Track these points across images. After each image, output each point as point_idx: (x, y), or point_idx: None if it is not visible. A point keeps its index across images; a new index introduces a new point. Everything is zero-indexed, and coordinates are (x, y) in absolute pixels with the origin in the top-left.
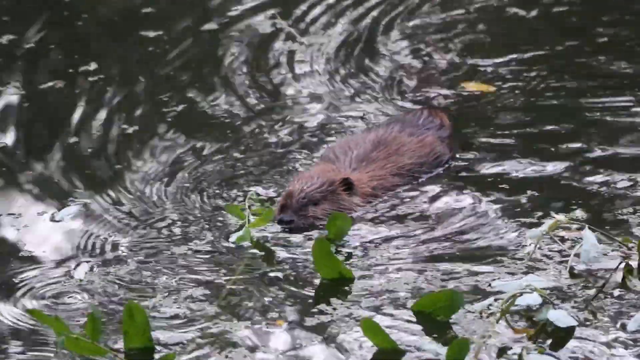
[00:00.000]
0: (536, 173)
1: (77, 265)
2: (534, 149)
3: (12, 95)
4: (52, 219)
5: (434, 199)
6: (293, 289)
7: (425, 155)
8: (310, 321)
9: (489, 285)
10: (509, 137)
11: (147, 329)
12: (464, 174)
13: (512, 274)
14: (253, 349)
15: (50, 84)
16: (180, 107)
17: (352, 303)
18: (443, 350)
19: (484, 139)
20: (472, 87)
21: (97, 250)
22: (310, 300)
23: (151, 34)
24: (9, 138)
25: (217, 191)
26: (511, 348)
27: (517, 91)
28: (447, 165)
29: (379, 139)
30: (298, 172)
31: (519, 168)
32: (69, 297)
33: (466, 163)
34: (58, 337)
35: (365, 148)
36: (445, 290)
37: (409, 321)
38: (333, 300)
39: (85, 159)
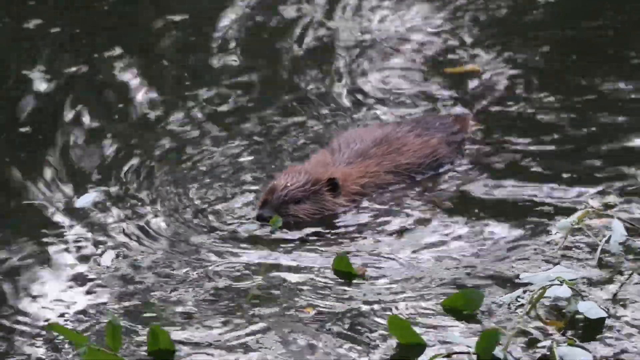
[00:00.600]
0: (563, 164)
1: (103, 252)
2: (561, 139)
3: (37, 80)
4: (72, 206)
5: (458, 189)
6: (322, 278)
7: (425, 156)
8: (339, 309)
9: (518, 276)
10: (536, 128)
11: (171, 347)
12: (490, 165)
13: (541, 265)
14: (282, 336)
15: (74, 68)
16: (205, 93)
17: (379, 295)
18: (472, 343)
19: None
20: (456, 70)
21: (121, 238)
22: (340, 290)
23: (177, 17)
24: (33, 123)
25: (243, 178)
26: (541, 340)
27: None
28: (448, 168)
29: (384, 136)
30: (288, 166)
31: (546, 158)
32: (96, 285)
33: (490, 156)
34: (79, 349)
35: (366, 143)
36: (466, 290)
37: (435, 315)
38: (360, 291)
39: (107, 146)
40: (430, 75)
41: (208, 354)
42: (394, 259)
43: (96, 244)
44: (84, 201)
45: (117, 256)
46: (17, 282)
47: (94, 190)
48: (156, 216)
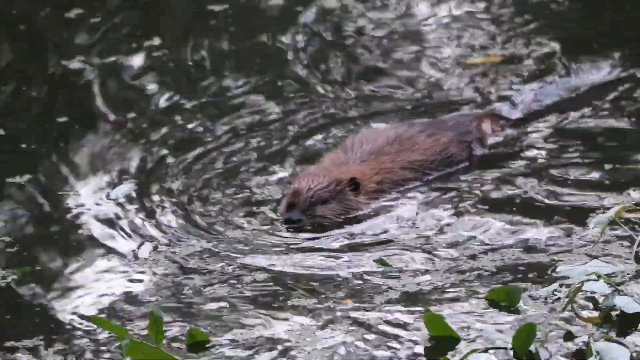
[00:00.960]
0: (599, 157)
1: (141, 244)
2: (595, 135)
3: (76, 69)
4: (107, 197)
5: (492, 185)
6: (360, 270)
7: (437, 153)
8: (378, 300)
9: (554, 270)
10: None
11: (206, 338)
12: (524, 159)
13: (578, 259)
14: (321, 327)
15: (113, 58)
16: (244, 85)
17: (418, 288)
18: (509, 338)
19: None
20: (478, 61)
21: (156, 231)
22: (378, 282)
23: (216, 7)
24: (70, 113)
25: (280, 170)
26: (577, 335)
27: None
28: (461, 166)
29: (396, 136)
30: (303, 169)
31: (583, 153)
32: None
33: (522, 149)
34: (122, 342)
35: (379, 143)
36: (507, 286)
37: (473, 310)
38: (398, 281)
39: (143, 136)
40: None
41: (245, 347)
42: (431, 253)
43: (133, 236)
44: (119, 192)
45: (155, 249)
46: (53, 274)
47: (128, 182)
48: (190, 209)
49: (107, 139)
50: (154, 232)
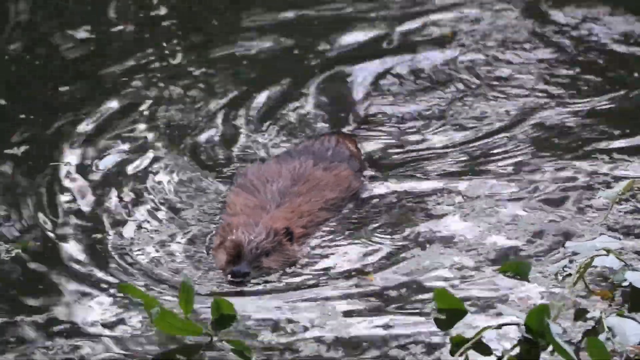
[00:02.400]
0: (606, 139)
1: (125, 223)
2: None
3: (82, 38)
4: (97, 168)
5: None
6: (385, 245)
7: (345, 190)
8: (400, 277)
9: (563, 246)
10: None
11: (234, 317)
12: (541, 137)
13: (587, 235)
14: (342, 300)
15: (120, 27)
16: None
17: (435, 263)
18: (521, 315)
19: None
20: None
21: (143, 208)
22: (403, 257)
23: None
24: (74, 83)
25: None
26: (589, 311)
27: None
28: (361, 199)
29: (296, 174)
30: (229, 218)
31: (592, 129)
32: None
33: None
34: (151, 310)
35: (285, 182)
36: (515, 261)
37: (485, 287)
38: (417, 259)
39: (143, 107)
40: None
41: (266, 320)
42: (446, 232)
43: (129, 207)
44: (107, 163)
45: (139, 228)
46: (53, 248)
47: (116, 151)
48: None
49: (107, 108)
50: (152, 198)
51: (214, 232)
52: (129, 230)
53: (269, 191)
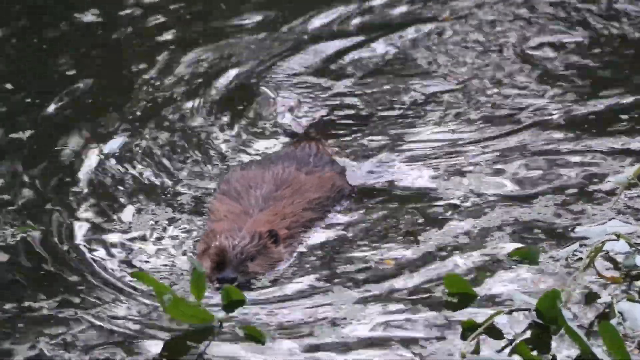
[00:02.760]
0: (617, 121)
1: (124, 207)
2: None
3: (89, 21)
4: (101, 153)
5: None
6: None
7: (329, 190)
8: (418, 262)
9: (573, 231)
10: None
11: (244, 301)
12: (548, 122)
13: (597, 219)
14: (360, 285)
15: (128, 11)
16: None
17: (451, 251)
18: (532, 300)
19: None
20: None
21: (144, 192)
22: (420, 244)
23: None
24: (80, 67)
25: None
26: (599, 296)
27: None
28: (350, 199)
29: (280, 179)
30: (212, 224)
31: (601, 114)
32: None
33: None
34: (163, 297)
35: (268, 187)
36: (524, 246)
37: (495, 272)
38: (433, 243)
39: (146, 93)
40: None
41: (283, 308)
42: (457, 217)
43: (133, 190)
44: (111, 147)
45: (138, 212)
46: (58, 232)
47: (120, 136)
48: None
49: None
50: (156, 181)
51: (198, 238)
52: (130, 215)
53: (253, 197)
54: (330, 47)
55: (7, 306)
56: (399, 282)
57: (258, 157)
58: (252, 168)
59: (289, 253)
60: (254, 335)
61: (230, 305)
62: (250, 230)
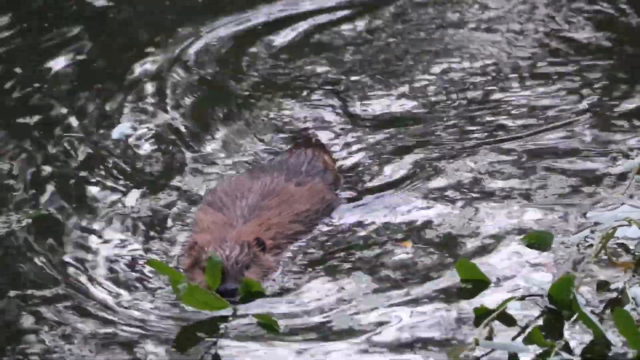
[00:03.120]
0: (627, 106)
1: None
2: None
3: (100, 5)
4: (109, 137)
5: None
6: (419, 214)
7: (318, 202)
8: (435, 245)
9: (584, 216)
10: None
11: (262, 293)
12: (559, 106)
13: (608, 205)
14: (375, 269)
15: None
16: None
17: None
18: (545, 286)
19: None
20: None
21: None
22: (436, 224)
23: None
24: (90, 51)
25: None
26: (611, 282)
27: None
28: (337, 211)
29: (267, 189)
30: (195, 236)
31: (611, 99)
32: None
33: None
34: (178, 286)
35: (254, 198)
36: (537, 231)
37: (507, 259)
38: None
39: (160, 73)
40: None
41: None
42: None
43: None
44: (120, 131)
45: (143, 196)
46: (65, 218)
47: (127, 121)
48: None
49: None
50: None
51: (180, 252)
52: (134, 199)
53: (238, 207)
54: None
55: (11, 293)
56: (417, 264)
57: (255, 156)
58: (241, 177)
59: (276, 262)
60: (268, 325)
61: (248, 296)
62: (238, 241)
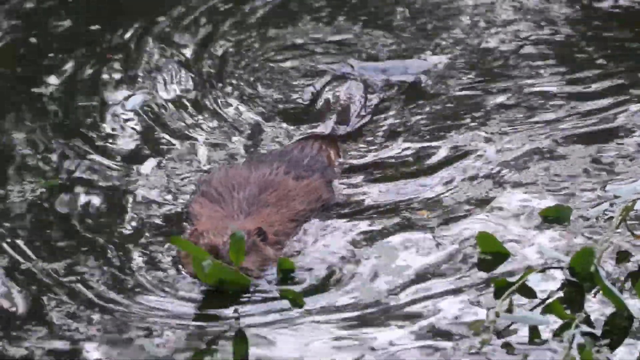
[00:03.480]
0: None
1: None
2: None
3: None
4: (124, 108)
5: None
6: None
7: (314, 201)
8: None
9: (603, 189)
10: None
11: (293, 269)
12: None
13: (626, 177)
14: (404, 247)
15: None
16: None
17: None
18: (565, 258)
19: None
20: None
21: (166, 147)
22: (451, 197)
23: None
24: (104, 22)
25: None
26: (632, 255)
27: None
28: (332, 209)
29: (265, 181)
30: (199, 224)
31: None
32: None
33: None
34: (203, 263)
35: (251, 190)
36: (556, 205)
37: (527, 231)
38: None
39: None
40: None
41: (320, 259)
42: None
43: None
44: (134, 102)
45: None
46: (81, 188)
47: (141, 92)
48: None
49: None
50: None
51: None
52: (149, 168)
53: (236, 200)
54: None
55: (23, 266)
56: (435, 234)
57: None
58: (238, 167)
59: (276, 255)
60: (292, 299)
61: (285, 276)
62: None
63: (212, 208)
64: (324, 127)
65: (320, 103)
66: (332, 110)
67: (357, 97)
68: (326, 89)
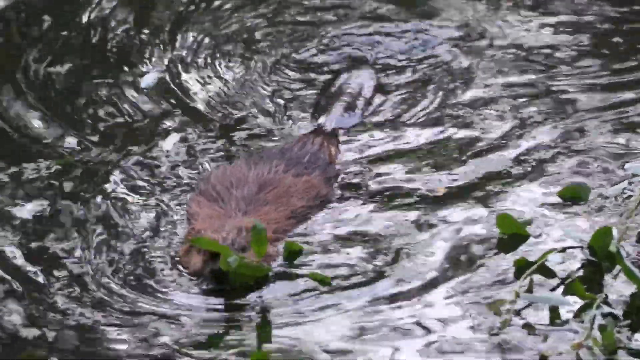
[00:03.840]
0: None
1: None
2: None
3: None
4: (138, 87)
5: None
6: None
7: (313, 198)
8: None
9: (622, 167)
10: None
11: (301, 250)
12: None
13: None
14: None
15: None
16: None
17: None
18: (585, 237)
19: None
20: None
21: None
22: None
23: None
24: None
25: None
26: None
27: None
28: (330, 207)
29: (264, 179)
30: (198, 224)
31: None
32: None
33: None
34: (229, 259)
35: (250, 188)
36: (574, 184)
37: (547, 212)
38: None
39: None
40: None
41: (337, 236)
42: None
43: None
44: (148, 81)
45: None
46: (96, 165)
47: (153, 70)
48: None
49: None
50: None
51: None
52: (171, 143)
53: (234, 198)
54: None
55: (33, 245)
56: (452, 212)
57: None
58: (237, 165)
59: (274, 252)
60: (320, 280)
61: (291, 256)
62: (237, 225)
63: (210, 207)
64: (328, 122)
65: (332, 90)
66: (339, 102)
67: (367, 87)
68: (340, 77)
